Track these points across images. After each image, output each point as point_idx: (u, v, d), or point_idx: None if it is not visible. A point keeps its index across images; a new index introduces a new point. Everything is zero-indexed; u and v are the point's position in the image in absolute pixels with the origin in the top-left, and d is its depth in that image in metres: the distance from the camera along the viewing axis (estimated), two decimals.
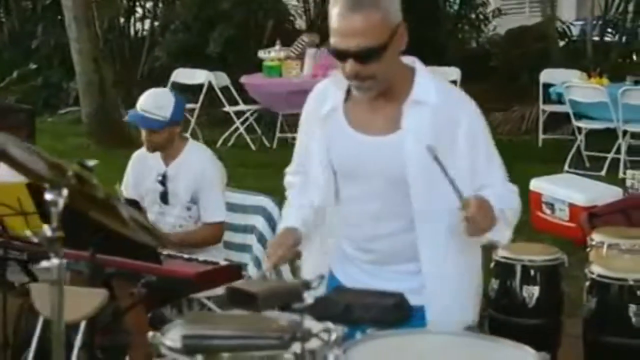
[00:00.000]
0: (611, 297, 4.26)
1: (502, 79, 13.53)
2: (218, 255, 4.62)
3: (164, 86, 11.87)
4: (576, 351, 4.48)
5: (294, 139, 12.13)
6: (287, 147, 10.77)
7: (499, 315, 4.52)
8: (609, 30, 14.60)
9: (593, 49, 13.33)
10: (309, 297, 2.41)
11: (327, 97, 3.05)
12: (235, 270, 4.27)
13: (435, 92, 2.93)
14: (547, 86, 11.12)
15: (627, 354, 4.18)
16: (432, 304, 2.92)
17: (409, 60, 3.00)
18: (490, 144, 3.03)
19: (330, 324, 2.42)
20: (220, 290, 4.41)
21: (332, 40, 2.82)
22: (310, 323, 2.38)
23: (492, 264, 4.54)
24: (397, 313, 2.53)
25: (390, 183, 2.94)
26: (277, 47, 11.24)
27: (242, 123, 11.35)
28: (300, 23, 15.40)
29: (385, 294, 2.64)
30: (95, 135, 11.27)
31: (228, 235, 4.90)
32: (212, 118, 11.93)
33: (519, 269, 4.50)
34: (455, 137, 2.91)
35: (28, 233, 2.42)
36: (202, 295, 4.58)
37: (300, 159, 3.23)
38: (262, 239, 4.82)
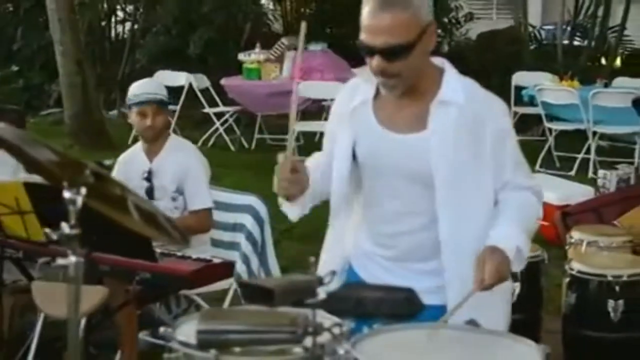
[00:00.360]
0: (590, 293, 4.37)
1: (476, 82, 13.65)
2: (207, 253, 4.71)
3: None
4: (555, 346, 4.61)
5: (272, 140, 12.31)
6: (266, 148, 10.97)
7: None
8: (578, 34, 14.85)
9: (563, 53, 13.55)
10: (322, 293, 2.40)
11: (358, 91, 3.06)
12: (227, 268, 4.37)
13: (462, 93, 2.93)
14: (518, 89, 11.31)
15: (606, 347, 4.30)
16: (452, 303, 2.85)
17: (438, 61, 3.02)
18: (516, 145, 3.04)
19: (340, 319, 2.45)
20: (211, 287, 4.55)
21: (362, 36, 2.85)
22: (320, 317, 2.39)
23: None
24: (407, 307, 2.57)
25: (412, 181, 2.95)
26: (257, 49, 11.34)
27: (222, 124, 11.48)
28: (278, 27, 15.51)
29: (396, 289, 2.68)
30: (78, 136, 11.30)
31: (217, 234, 4.99)
32: (193, 119, 12.02)
33: None
34: (482, 137, 2.92)
35: (47, 231, 2.35)
36: (192, 292, 4.69)
37: (327, 149, 3.20)
38: (250, 237, 4.89)
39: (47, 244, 4.22)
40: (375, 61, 2.84)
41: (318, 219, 3.32)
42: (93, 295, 4.00)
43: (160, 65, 12.48)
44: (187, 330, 2.53)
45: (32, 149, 2.39)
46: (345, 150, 3.05)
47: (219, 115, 11.54)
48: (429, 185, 2.91)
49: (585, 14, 14.98)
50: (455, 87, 2.94)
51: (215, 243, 5.00)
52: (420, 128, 2.93)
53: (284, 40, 11.63)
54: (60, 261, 2.35)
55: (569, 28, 14.61)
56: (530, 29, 15.06)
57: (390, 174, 2.97)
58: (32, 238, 4.31)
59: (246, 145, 11.46)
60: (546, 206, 7.05)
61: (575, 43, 14.74)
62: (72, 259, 2.36)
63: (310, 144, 9.18)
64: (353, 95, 3.07)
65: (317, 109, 11.11)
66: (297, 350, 2.35)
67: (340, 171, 3.08)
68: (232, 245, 4.97)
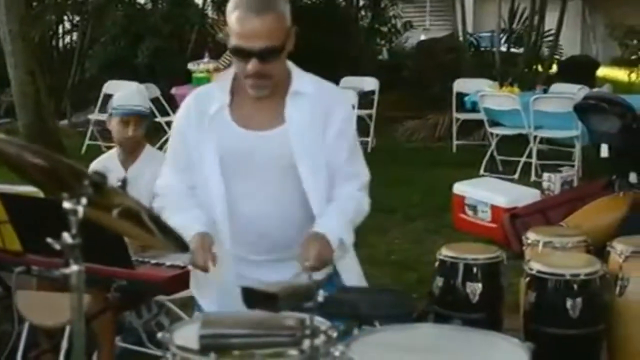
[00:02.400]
0: (549, 291, 4.43)
1: (415, 88, 13.91)
2: (180, 260, 4.76)
3: (95, 97, 12.03)
4: None
5: None
6: None
7: (443, 310, 4.64)
8: (513, 42, 15.19)
9: (501, 60, 13.85)
10: (320, 297, 2.51)
11: (211, 99, 3.23)
12: None
13: (311, 83, 3.23)
14: (459, 95, 11.54)
15: (566, 343, 4.37)
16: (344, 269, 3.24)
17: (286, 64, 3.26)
18: (357, 143, 3.34)
19: (335, 322, 2.56)
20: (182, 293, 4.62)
21: (235, 41, 3.04)
22: (316, 320, 2.49)
23: (436, 263, 4.80)
24: (401, 309, 2.73)
25: (281, 172, 3.18)
26: (206, 59, 11.41)
27: None
28: (222, 36, 15.58)
29: (389, 291, 2.85)
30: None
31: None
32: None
33: (461, 267, 4.65)
34: (327, 126, 3.20)
35: (49, 240, 2.35)
36: (164, 297, 4.77)
37: (181, 162, 3.34)
38: None
39: (22, 253, 4.27)
40: (252, 64, 3.03)
41: None
42: None
43: (109, 74, 12.49)
44: (184, 335, 2.62)
45: (33, 158, 2.40)
46: (212, 157, 3.22)
47: (170, 124, 11.49)
48: (295, 173, 3.16)
49: (519, 21, 15.32)
50: (304, 80, 3.23)
51: None
52: (280, 122, 3.18)
53: None
54: (62, 270, 2.37)
55: (505, 36, 14.95)
56: (470, 36, 15.35)
57: (259, 170, 3.17)
58: (7, 247, 4.34)
59: None
60: (495, 209, 7.41)
61: (513, 50, 15.07)
62: (74, 267, 2.39)
63: None
64: (207, 105, 3.22)
65: None
66: (293, 352, 2.44)
67: (208, 179, 3.24)
68: None
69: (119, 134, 4.96)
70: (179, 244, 2.60)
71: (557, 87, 11.24)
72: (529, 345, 2.56)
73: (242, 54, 3.04)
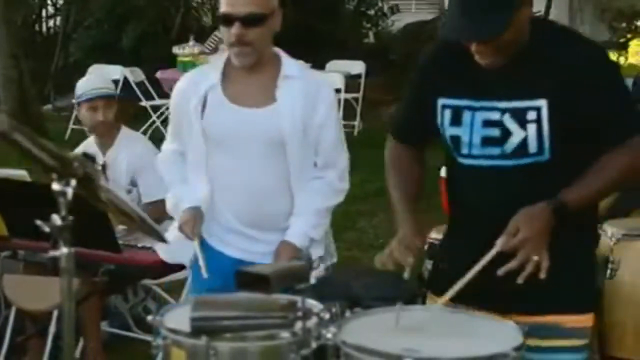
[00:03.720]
0: None
1: (401, 72, 13.85)
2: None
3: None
4: None
5: None
6: None
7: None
8: None
9: None
10: (312, 279, 2.53)
11: (205, 77, 3.47)
12: None
13: (299, 69, 3.49)
14: None
15: None
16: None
17: (274, 49, 3.49)
18: (340, 131, 3.59)
19: (328, 304, 2.53)
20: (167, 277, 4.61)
21: (223, 8, 3.32)
22: (309, 302, 2.51)
23: (425, 246, 4.77)
24: (394, 290, 2.71)
25: (267, 147, 3.38)
26: (191, 42, 11.36)
27: (158, 117, 11.45)
28: (207, 20, 15.53)
29: (382, 273, 2.84)
30: None
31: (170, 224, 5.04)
32: (129, 112, 11.96)
33: None
34: (315, 111, 3.43)
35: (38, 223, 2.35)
36: (151, 282, 4.74)
37: (178, 136, 3.60)
38: None
39: (8, 238, 4.24)
40: (235, 29, 3.28)
41: None
42: None
43: (94, 58, 12.45)
44: (174, 318, 2.60)
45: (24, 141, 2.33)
46: (201, 131, 3.44)
47: (155, 108, 11.52)
48: (282, 149, 3.39)
49: None
50: (293, 65, 3.48)
51: None
52: (271, 101, 3.41)
53: (217, 33, 11.65)
54: (52, 252, 2.36)
55: None
56: None
57: (245, 145, 3.37)
58: None
59: None
60: None
61: None
62: (64, 250, 2.38)
63: None
64: (199, 83, 3.47)
65: None
66: (285, 335, 2.46)
67: (196, 150, 3.48)
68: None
69: (89, 120, 4.97)
70: (156, 236, 2.74)
71: None
72: (521, 327, 2.53)
73: (228, 19, 3.29)
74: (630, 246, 4.56)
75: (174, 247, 3.59)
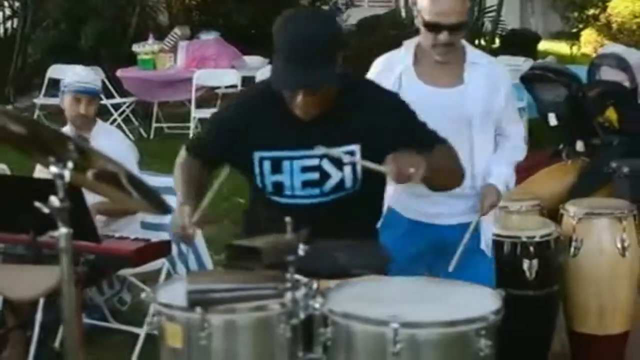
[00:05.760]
0: (506, 254, 4.53)
1: (358, 65, 13.93)
2: (137, 234, 4.81)
3: (39, 82, 11.95)
4: None
5: (169, 128, 12.35)
6: (164, 136, 11.09)
7: None
8: None
9: None
10: (301, 251, 2.61)
11: (398, 60, 3.81)
12: (165, 246, 4.51)
13: (482, 57, 3.90)
14: None
15: (524, 304, 4.44)
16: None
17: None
18: (516, 104, 4.20)
19: (314, 276, 2.67)
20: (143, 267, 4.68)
21: (429, 17, 3.65)
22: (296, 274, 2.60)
23: None
24: (377, 259, 2.85)
25: (454, 124, 3.63)
26: (151, 40, 11.44)
27: (119, 115, 11.52)
28: (163, 19, 15.56)
29: (365, 245, 2.99)
30: None
31: (145, 216, 5.13)
32: None
33: None
34: (496, 94, 3.82)
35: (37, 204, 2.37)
36: (127, 272, 4.81)
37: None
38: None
39: None
40: (443, 36, 3.66)
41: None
42: (49, 276, 4.06)
43: (53, 59, 12.45)
44: (166, 294, 2.68)
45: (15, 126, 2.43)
46: None
47: (116, 106, 11.58)
48: (467, 127, 3.77)
49: None
50: (476, 53, 3.92)
51: (145, 225, 5.12)
52: (458, 83, 3.80)
53: (176, 30, 11.76)
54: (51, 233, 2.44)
55: None
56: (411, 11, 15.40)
57: (435, 121, 3.43)
58: None
59: (145, 134, 11.53)
60: None
61: None
62: (63, 230, 2.43)
63: None
64: (393, 65, 3.81)
65: (211, 97, 11.29)
66: (275, 306, 2.56)
67: None
68: (161, 227, 5.07)
69: (71, 110, 5.04)
70: (157, 204, 2.64)
71: (502, 59, 11.26)
72: (500, 292, 2.69)
73: (435, 28, 3.64)
74: (593, 224, 4.72)
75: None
